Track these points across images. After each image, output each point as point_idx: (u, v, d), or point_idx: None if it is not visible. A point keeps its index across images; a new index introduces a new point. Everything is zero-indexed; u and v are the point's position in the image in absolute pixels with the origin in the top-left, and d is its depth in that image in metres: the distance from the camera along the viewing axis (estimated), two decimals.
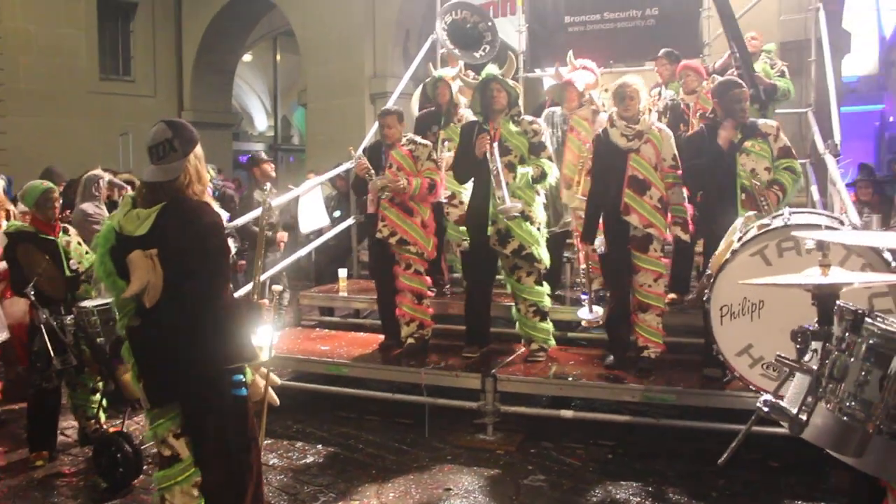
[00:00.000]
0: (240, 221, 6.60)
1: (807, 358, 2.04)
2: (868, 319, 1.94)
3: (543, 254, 5.42)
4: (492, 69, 5.47)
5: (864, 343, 1.91)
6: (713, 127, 5.00)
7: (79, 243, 5.14)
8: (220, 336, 3.01)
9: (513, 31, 9.37)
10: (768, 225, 3.89)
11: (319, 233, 7.77)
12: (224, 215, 3.18)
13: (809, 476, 4.36)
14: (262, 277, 6.39)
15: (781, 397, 2.11)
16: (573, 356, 5.72)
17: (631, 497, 4.32)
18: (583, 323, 5.76)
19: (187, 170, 2.96)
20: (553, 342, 5.66)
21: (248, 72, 23.22)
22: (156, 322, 2.97)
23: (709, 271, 4.19)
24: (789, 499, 4.25)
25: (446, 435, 5.25)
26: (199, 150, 3.03)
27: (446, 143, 6.48)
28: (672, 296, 5.82)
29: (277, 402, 3.81)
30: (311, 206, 7.55)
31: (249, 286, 6.51)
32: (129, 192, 6.35)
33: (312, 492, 4.46)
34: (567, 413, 5.18)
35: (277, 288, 3.77)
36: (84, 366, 4.88)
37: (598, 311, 5.54)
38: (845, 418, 1.90)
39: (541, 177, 5.35)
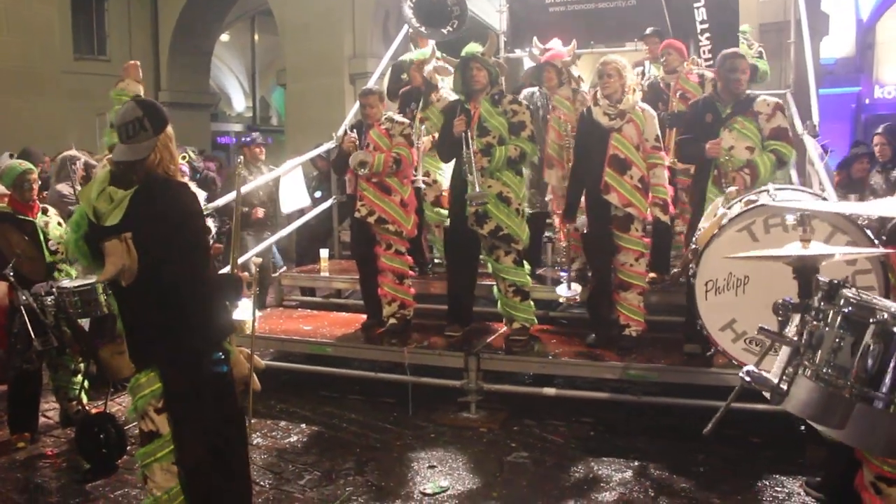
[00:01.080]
0: (220, 202, 6.55)
1: (788, 330, 2.08)
2: (843, 289, 1.99)
3: (523, 235, 5.43)
4: (473, 48, 5.44)
5: (839, 311, 1.96)
6: (707, 100, 5.02)
7: (59, 223, 5.09)
8: (199, 315, 3.00)
9: (493, 11, 9.34)
10: (755, 201, 3.92)
11: (300, 213, 7.73)
12: (202, 195, 3.16)
13: (788, 451, 4.45)
14: (248, 256, 6.42)
15: (763, 371, 2.16)
16: (555, 335, 5.77)
17: (613, 473, 4.38)
18: (561, 300, 5.80)
19: (158, 149, 2.92)
20: (535, 321, 5.69)
21: (226, 52, 22.95)
22: (134, 298, 2.97)
23: (694, 246, 4.22)
24: (768, 473, 4.33)
25: (430, 413, 5.29)
26: (169, 129, 3.00)
27: (424, 125, 6.48)
28: (652, 275, 5.86)
29: (259, 386, 3.81)
30: (292, 186, 7.51)
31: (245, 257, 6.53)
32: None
33: (297, 470, 4.49)
34: (549, 391, 5.23)
35: (257, 260, 3.75)
36: (65, 347, 4.84)
37: (577, 288, 5.59)
38: (822, 384, 1.94)
39: (520, 157, 5.34)
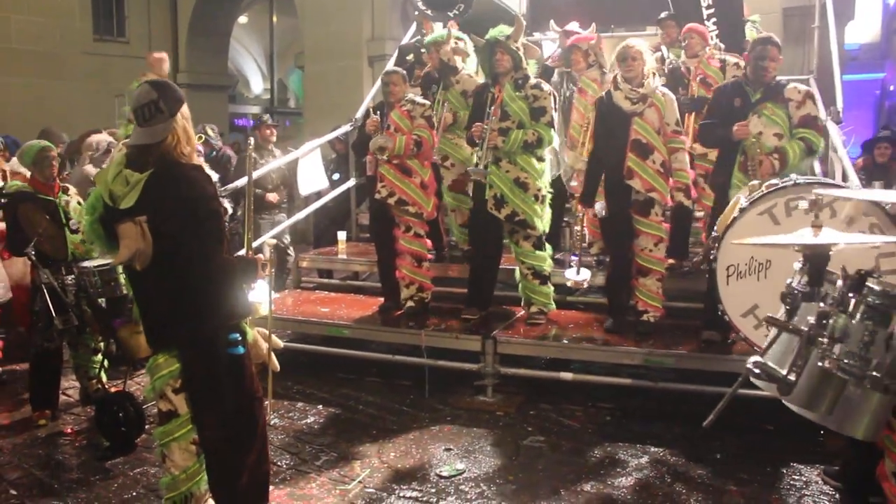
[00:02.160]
0: (238, 184, 6.56)
1: (796, 319, 2.05)
2: (870, 279, 1.95)
3: (539, 221, 5.43)
4: (500, 31, 5.41)
5: (863, 301, 1.92)
6: (737, 84, 4.96)
7: (79, 203, 5.12)
8: (214, 297, 3.02)
9: None
10: (776, 185, 3.88)
11: (318, 195, 7.74)
12: (214, 176, 3.17)
13: (804, 439, 4.41)
14: (265, 238, 6.44)
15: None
16: (573, 319, 5.76)
17: (629, 458, 4.37)
18: (568, 283, 5.79)
19: (175, 131, 2.93)
20: (553, 305, 5.69)
21: (244, 34, 22.90)
22: (149, 281, 3.00)
23: (715, 233, 4.18)
24: (785, 461, 4.31)
25: (446, 396, 5.30)
26: (185, 110, 3.00)
27: (445, 105, 6.46)
28: (671, 261, 5.83)
29: (277, 367, 3.84)
30: (310, 168, 7.52)
31: (259, 241, 6.56)
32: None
33: (314, 451, 4.51)
34: (566, 375, 5.22)
35: (272, 242, 3.76)
36: (85, 326, 4.89)
37: (586, 273, 5.59)
38: (842, 374, 1.91)
39: (537, 142, 5.31)
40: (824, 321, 1.98)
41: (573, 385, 5.25)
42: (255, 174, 6.64)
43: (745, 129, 4.72)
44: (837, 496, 3.93)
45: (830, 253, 2.12)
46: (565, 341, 5.25)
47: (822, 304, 1.99)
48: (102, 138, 6.75)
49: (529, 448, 4.52)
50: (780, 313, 2.07)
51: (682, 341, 5.08)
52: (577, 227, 5.85)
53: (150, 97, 2.92)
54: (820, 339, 1.97)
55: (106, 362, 5.22)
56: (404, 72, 5.93)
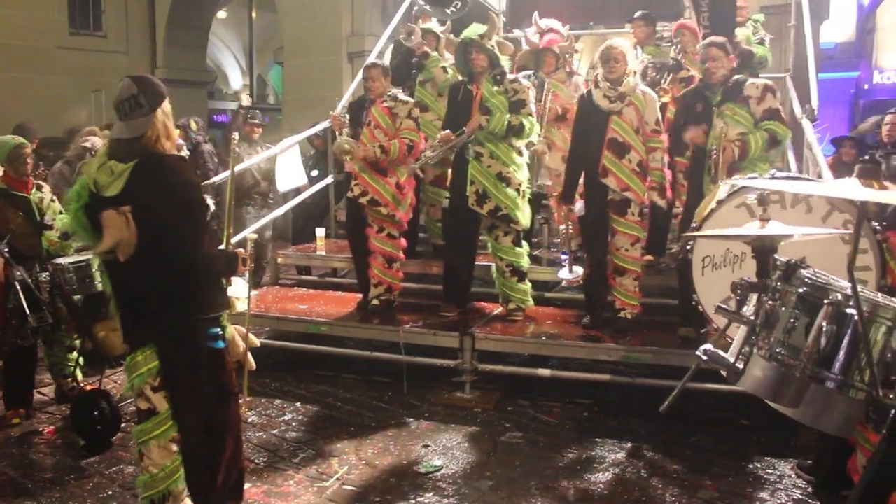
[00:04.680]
0: (218, 179, 6.53)
1: (745, 309, 2.09)
2: (800, 269, 1.99)
3: (522, 216, 5.44)
4: (475, 29, 5.42)
5: (795, 292, 1.96)
6: (698, 88, 5.01)
7: (52, 200, 5.07)
8: (195, 290, 3.02)
9: None
10: (755, 178, 3.92)
11: (297, 191, 7.71)
12: None
13: (779, 434, 4.47)
14: (245, 233, 6.41)
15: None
16: (550, 316, 5.79)
17: (606, 454, 4.40)
18: (563, 283, 5.81)
19: (154, 125, 2.94)
20: (531, 302, 5.72)
21: (223, 29, 22.76)
22: (131, 273, 2.99)
23: (694, 224, 4.21)
24: (759, 456, 4.36)
25: (424, 393, 5.30)
26: (166, 105, 3.01)
27: (427, 85, 6.54)
28: (649, 257, 5.87)
29: (254, 365, 3.82)
30: (289, 164, 7.49)
31: (238, 237, 6.53)
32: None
33: (291, 448, 4.50)
34: (544, 372, 5.24)
35: (253, 237, 3.74)
36: (60, 323, 4.85)
37: (578, 270, 5.60)
38: (775, 364, 1.95)
39: (520, 127, 5.30)
40: (760, 310, 2.03)
41: (551, 381, 5.27)
42: (239, 168, 6.63)
43: (698, 133, 4.75)
44: (810, 490, 3.98)
45: (780, 245, 2.16)
46: (543, 338, 5.27)
47: (762, 295, 2.03)
48: (98, 141, 6.71)
49: (507, 444, 4.53)
50: (732, 303, 2.12)
51: (658, 338, 5.12)
52: (562, 226, 5.86)
53: (131, 92, 2.93)
54: (757, 327, 2.02)
55: (81, 360, 5.18)
56: (386, 65, 5.89)
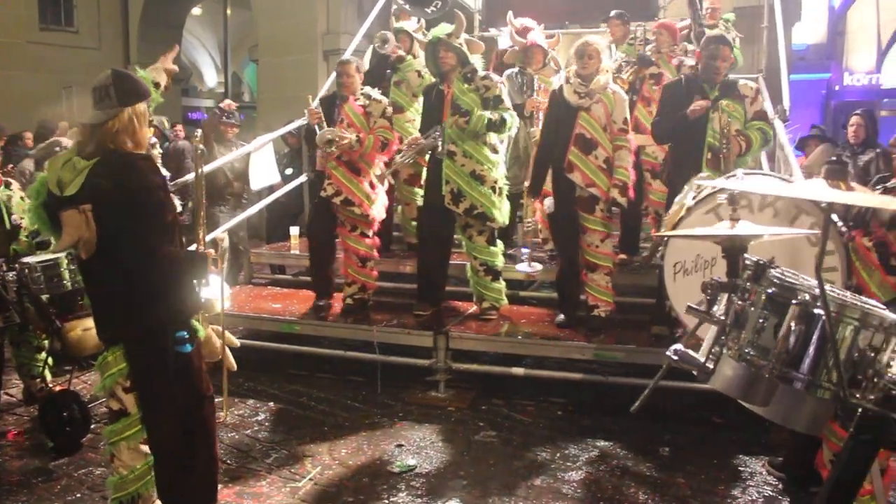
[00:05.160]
0: (190, 177, 6.45)
1: (715, 309, 2.10)
2: (769, 269, 2.00)
3: (499, 213, 5.44)
4: (443, 28, 5.41)
5: (763, 292, 1.98)
6: (691, 80, 5.01)
7: (21, 198, 4.98)
8: (159, 291, 2.98)
9: None
10: (723, 180, 3.95)
11: (271, 190, 7.65)
12: (165, 174, 3.14)
13: (751, 431, 4.50)
14: (218, 232, 6.34)
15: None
16: (525, 315, 5.79)
17: (580, 453, 4.42)
18: (522, 276, 5.83)
19: (119, 119, 2.90)
20: (505, 301, 5.72)
21: (198, 26, 22.55)
22: (95, 273, 2.98)
23: (665, 230, 4.25)
24: (731, 453, 4.40)
25: (398, 392, 5.29)
26: (140, 107, 2.97)
27: (401, 85, 6.53)
28: (622, 256, 5.90)
29: (234, 366, 3.79)
30: (263, 163, 7.42)
31: (210, 236, 6.46)
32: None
33: (264, 449, 4.47)
34: (518, 371, 5.26)
35: (222, 237, 3.69)
36: (28, 323, 4.76)
37: (537, 266, 5.63)
38: (744, 364, 1.97)
39: (500, 122, 5.30)
40: (730, 310, 2.04)
41: (525, 380, 5.29)
42: (211, 166, 6.56)
43: (705, 105, 4.74)
44: (781, 486, 4.02)
45: (749, 245, 2.17)
46: (517, 337, 5.27)
47: (732, 295, 2.05)
48: (69, 142, 6.62)
49: (481, 443, 4.53)
50: (702, 304, 2.13)
51: (632, 336, 5.15)
52: (529, 220, 5.88)
53: (105, 82, 2.93)
54: (727, 327, 2.03)
55: (50, 360, 5.09)
56: (360, 62, 5.86)
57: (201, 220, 3.65)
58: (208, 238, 6.33)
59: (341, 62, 5.76)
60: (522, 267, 5.69)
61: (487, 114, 5.25)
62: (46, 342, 4.98)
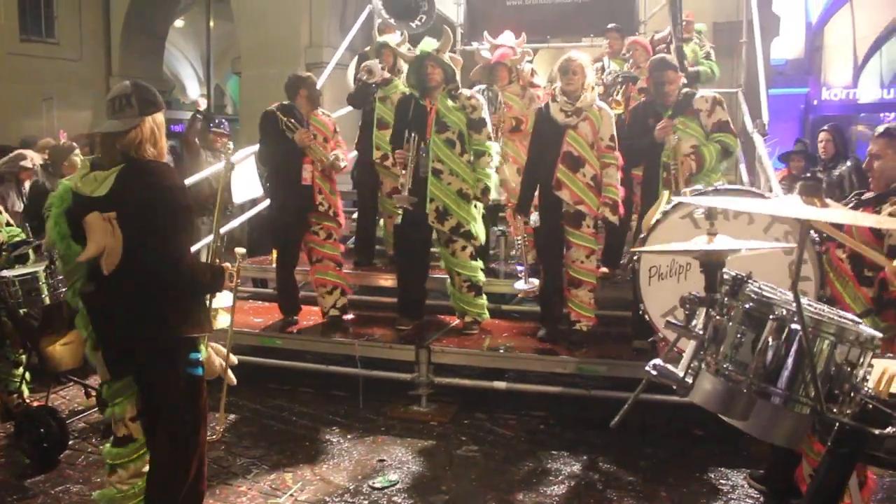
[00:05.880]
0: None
1: (694, 324, 2.11)
2: (746, 284, 2.02)
3: (480, 231, 5.47)
4: (429, 43, 5.42)
5: (741, 307, 1.99)
6: (648, 102, 5.09)
7: None
8: (181, 302, 2.95)
9: (451, 3, 9.33)
10: (700, 190, 3.99)
11: (253, 203, 7.62)
12: None
13: (732, 444, 4.52)
14: (202, 244, 6.32)
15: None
16: (507, 329, 5.80)
17: (562, 466, 4.41)
18: (519, 294, 5.83)
19: (142, 128, 2.90)
20: (487, 315, 5.72)
21: (181, 38, 22.52)
22: (114, 287, 2.88)
23: (642, 235, 4.27)
24: (713, 466, 4.41)
25: (380, 407, 5.27)
26: (159, 117, 2.99)
27: (386, 101, 6.49)
28: (604, 270, 5.92)
29: (234, 381, 3.77)
30: (245, 175, 7.39)
31: (194, 248, 6.43)
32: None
33: (245, 464, 4.43)
34: (500, 385, 5.25)
35: (241, 251, 3.63)
36: (5, 338, 4.70)
37: (534, 282, 5.63)
38: (722, 379, 1.98)
39: (482, 154, 5.40)
40: (708, 325, 2.06)
41: (507, 394, 5.28)
42: (192, 180, 6.54)
43: (668, 126, 4.84)
44: (762, 499, 4.04)
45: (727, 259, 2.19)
46: (499, 351, 5.28)
47: (710, 309, 2.06)
48: (36, 157, 6.60)
49: (463, 458, 4.52)
50: (681, 318, 2.14)
51: (614, 350, 5.17)
52: (518, 238, 5.89)
53: (125, 92, 2.93)
54: (705, 342, 2.04)
55: (27, 376, 5.03)
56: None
57: (218, 233, 3.64)
58: (197, 247, 6.34)
59: (311, 79, 5.85)
60: (520, 285, 5.68)
61: (489, 180, 5.39)
62: (24, 357, 4.93)
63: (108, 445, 3.15)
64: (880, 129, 3.53)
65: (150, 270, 2.85)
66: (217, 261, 3.31)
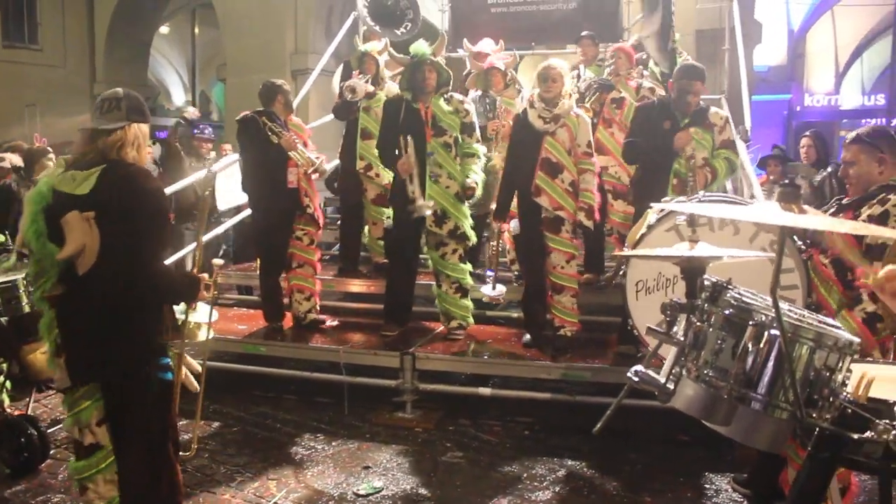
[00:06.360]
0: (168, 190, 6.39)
1: (675, 330, 2.12)
2: (726, 290, 2.03)
3: (472, 233, 5.51)
4: (421, 47, 5.43)
5: (721, 313, 2.00)
6: (665, 105, 5.08)
7: None
8: (150, 313, 2.93)
9: (436, 10, 9.35)
10: (683, 202, 4.01)
11: (237, 210, 7.60)
12: None
13: (716, 449, 4.53)
14: (185, 252, 6.29)
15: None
16: (491, 334, 5.80)
17: (547, 472, 4.41)
18: (484, 299, 5.84)
19: (126, 131, 2.90)
20: (472, 320, 5.73)
21: (166, 44, 22.43)
22: (86, 289, 2.84)
23: (627, 247, 4.29)
24: (698, 470, 4.42)
25: (365, 413, 5.25)
26: (144, 128, 3.00)
27: (370, 112, 6.47)
28: (587, 276, 5.94)
29: (197, 387, 3.72)
30: (229, 182, 7.37)
31: (177, 255, 6.43)
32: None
33: (228, 472, 4.40)
34: (485, 391, 5.25)
35: (218, 262, 3.61)
36: None
37: (501, 288, 5.65)
38: (703, 385, 1.99)
39: (470, 156, 5.46)
40: (689, 331, 2.07)
41: (492, 400, 5.28)
42: (174, 188, 6.51)
43: (687, 137, 4.84)
44: (746, 503, 4.05)
45: (708, 266, 2.20)
46: (484, 357, 5.28)
47: (692, 316, 2.07)
48: (15, 158, 6.54)
49: (448, 464, 4.51)
50: (662, 325, 2.15)
51: (598, 355, 5.17)
52: (493, 243, 5.91)
53: (116, 96, 2.96)
54: (686, 348, 2.05)
55: (8, 384, 4.97)
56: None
57: (201, 243, 3.62)
58: (175, 257, 6.32)
59: (286, 86, 5.90)
60: (486, 289, 5.69)
61: (476, 177, 5.41)
62: (5, 365, 4.88)
63: (72, 460, 3.05)
64: (851, 136, 3.55)
65: (122, 273, 2.81)
66: (195, 270, 3.28)
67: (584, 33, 7.09)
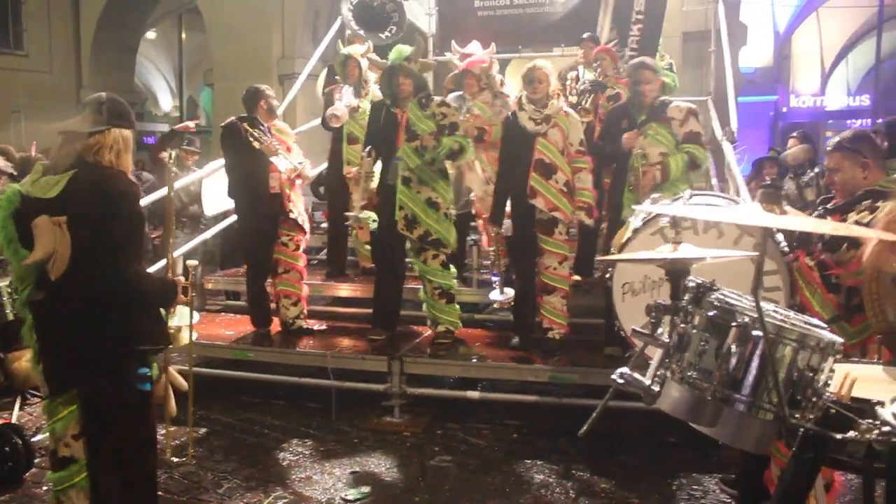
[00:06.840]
0: (148, 199, 6.35)
1: (660, 332, 2.12)
2: (710, 292, 2.03)
3: (452, 239, 5.47)
4: (400, 50, 5.43)
5: (704, 314, 2.00)
6: (622, 107, 5.13)
7: None
8: (131, 313, 2.88)
9: (423, 13, 9.34)
10: (668, 205, 4.01)
11: (225, 215, 7.56)
12: None
13: (703, 450, 4.53)
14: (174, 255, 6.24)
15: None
16: (479, 338, 5.80)
17: (535, 475, 4.41)
18: (494, 304, 5.83)
19: (105, 135, 2.87)
20: (459, 324, 5.71)
21: (153, 50, 22.38)
22: (61, 295, 2.80)
23: (613, 250, 4.30)
24: (685, 472, 4.43)
25: (353, 418, 5.23)
26: (126, 133, 2.95)
27: (356, 116, 6.47)
28: (576, 278, 5.94)
29: (185, 385, 3.71)
30: (216, 188, 7.34)
31: (161, 263, 6.37)
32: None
33: (216, 479, 4.38)
34: (473, 394, 5.25)
35: (192, 263, 3.58)
36: None
37: (509, 292, 5.63)
38: (687, 386, 1.99)
39: (460, 151, 5.35)
40: (673, 333, 2.07)
41: (480, 403, 5.28)
42: (157, 195, 6.46)
43: (633, 137, 4.92)
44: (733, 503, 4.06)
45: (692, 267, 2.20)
46: (472, 360, 5.27)
47: (675, 317, 2.07)
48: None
49: (436, 468, 4.50)
50: (647, 326, 2.15)
51: (586, 357, 5.17)
52: (491, 248, 5.89)
53: (99, 100, 2.92)
54: (670, 349, 2.05)
55: None
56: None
57: (171, 246, 3.59)
58: (161, 264, 6.27)
59: (269, 90, 5.83)
60: (495, 295, 5.67)
61: (450, 141, 5.27)
62: None
63: (50, 472, 3.02)
64: (832, 142, 3.56)
65: (97, 278, 2.77)
66: (170, 274, 3.25)
67: (585, 35, 7.13)
